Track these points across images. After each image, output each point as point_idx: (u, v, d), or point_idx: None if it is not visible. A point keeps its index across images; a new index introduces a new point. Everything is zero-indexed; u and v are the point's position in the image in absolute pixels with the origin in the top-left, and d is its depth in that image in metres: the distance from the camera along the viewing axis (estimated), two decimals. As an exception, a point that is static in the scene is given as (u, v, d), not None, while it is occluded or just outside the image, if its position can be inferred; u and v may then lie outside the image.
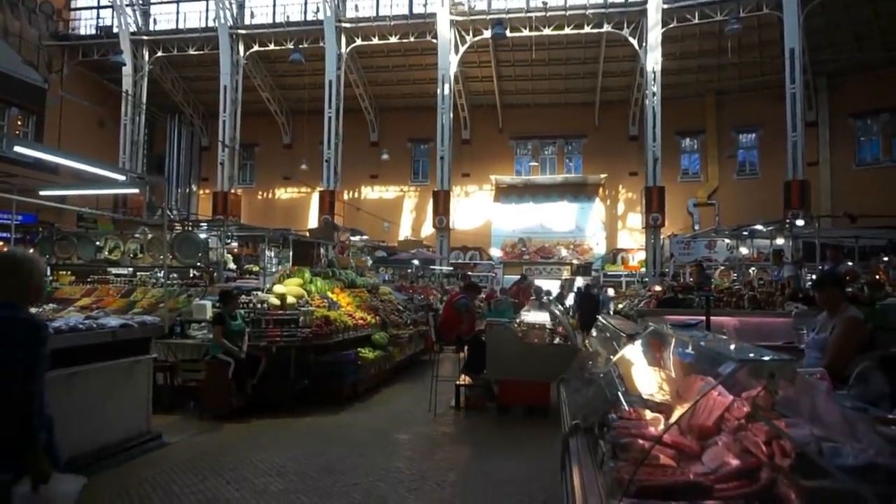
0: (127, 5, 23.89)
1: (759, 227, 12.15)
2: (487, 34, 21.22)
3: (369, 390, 8.82)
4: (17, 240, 9.85)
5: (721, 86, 24.75)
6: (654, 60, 20.10)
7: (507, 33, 20.83)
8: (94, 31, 25.26)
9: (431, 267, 20.82)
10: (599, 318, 5.51)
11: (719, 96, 25.16)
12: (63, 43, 24.40)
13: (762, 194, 22.04)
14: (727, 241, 16.96)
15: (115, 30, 24.03)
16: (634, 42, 20.63)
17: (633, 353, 3.16)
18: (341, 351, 8.34)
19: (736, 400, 2.37)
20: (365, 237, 20.89)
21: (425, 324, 11.53)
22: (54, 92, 23.19)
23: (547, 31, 21.20)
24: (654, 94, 20.10)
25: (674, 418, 2.14)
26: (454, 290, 15.89)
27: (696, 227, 23.21)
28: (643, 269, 21.87)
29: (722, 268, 15.86)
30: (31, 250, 12.19)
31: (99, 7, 25.79)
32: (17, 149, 5.00)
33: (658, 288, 13.15)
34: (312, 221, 24.60)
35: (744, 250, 15.04)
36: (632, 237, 25.54)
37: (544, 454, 5.80)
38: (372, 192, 28.17)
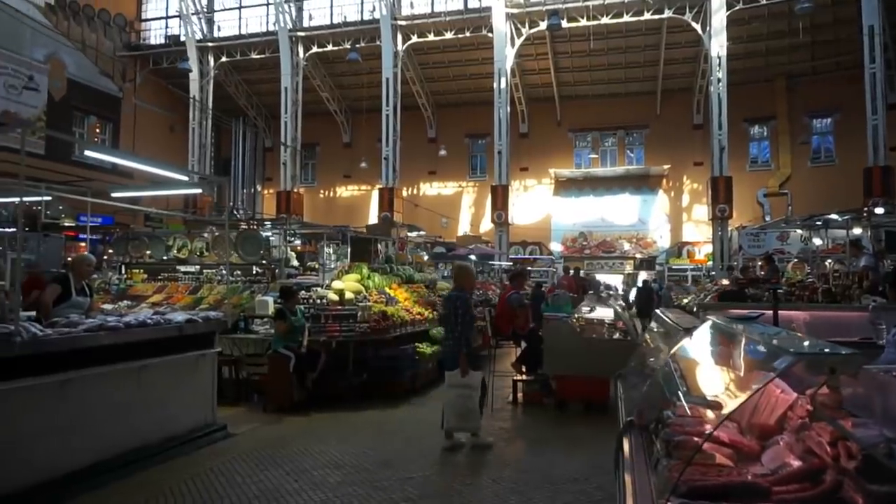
0: (193, 14, 24.91)
1: (833, 216, 11.47)
2: (544, 26, 20.93)
3: (427, 385, 8.85)
4: (95, 240, 10.41)
5: (792, 69, 23.53)
6: (718, 45, 19.32)
7: (564, 24, 20.49)
8: (163, 41, 26.44)
9: (490, 262, 20.74)
10: (657, 312, 5.33)
11: (791, 80, 23.95)
12: (135, 53, 25.66)
13: (839, 182, 20.84)
14: (800, 231, 16.09)
15: (183, 38, 25.08)
16: (697, 27, 19.88)
17: (690, 347, 3.03)
18: (399, 346, 8.41)
19: (800, 398, 2.24)
20: (422, 233, 21.02)
21: (483, 319, 11.47)
22: (128, 100, 24.44)
23: (605, 20, 20.71)
24: (719, 81, 19.34)
25: (724, 415, 2.03)
26: (506, 283, 15.76)
27: (767, 219, 22.19)
28: (710, 263, 21.10)
29: (795, 260, 15.09)
30: (111, 251, 12.89)
31: (167, 17, 26.95)
32: (88, 153, 5.27)
33: (725, 282, 12.65)
34: (373, 218, 24.97)
35: (817, 241, 14.23)
36: (698, 230, 24.69)
37: (602, 451, 5.65)
38: (430, 189, 28.33)
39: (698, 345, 2.96)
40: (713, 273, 18.84)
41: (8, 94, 19.25)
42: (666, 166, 24.92)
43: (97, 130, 23.74)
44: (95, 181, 12.30)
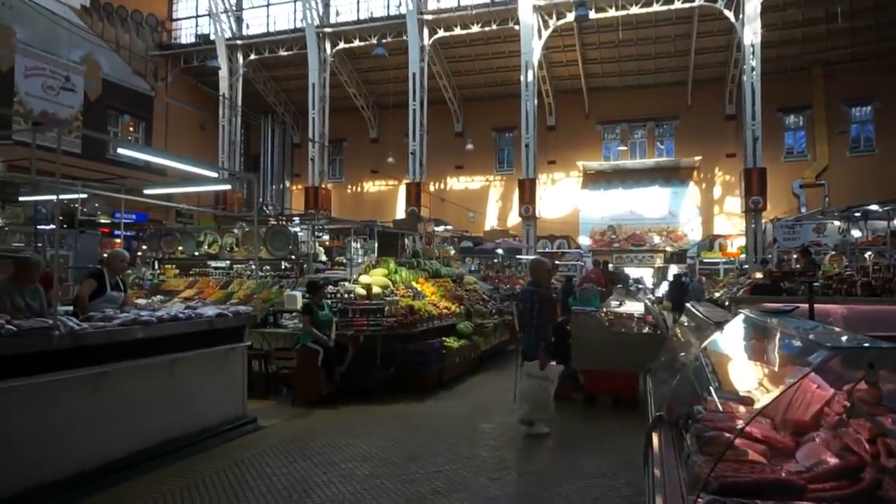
0: (222, 12, 25.24)
1: (874, 206, 11.13)
2: (571, 17, 20.67)
3: (454, 379, 8.86)
4: (129, 237, 10.64)
5: (830, 56, 22.84)
6: (752, 33, 18.84)
7: (592, 14, 20.21)
8: (193, 40, 26.83)
9: (517, 256, 20.66)
10: (688, 305, 5.24)
11: (828, 67, 23.26)
12: (166, 52, 26.09)
13: (880, 173, 20.28)
14: (838, 223, 15.63)
15: (212, 37, 25.43)
16: (730, 14, 19.41)
17: (721, 341, 2.97)
18: (426, 340, 8.42)
19: (837, 393, 2.17)
20: (449, 227, 20.99)
21: (511, 313, 11.43)
22: (160, 99, 24.90)
23: (634, 10, 20.35)
24: (752, 70, 18.87)
25: (757, 409, 1.97)
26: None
27: (803, 210, 21.63)
28: (743, 256, 20.69)
29: (832, 253, 14.71)
30: (144, 246, 13.17)
31: (197, 16, 27.34)
32: (122, 150, 5.37)
33: (759, 275, 12.38)
34: (400, 213, 25.04)
35: (856, 233, 13.82)
36: (730, 222, 24.22)
37: (632, 446, 5.57)
38: (457, 183, 28.28)
39: (730, 339, 2.89)
40: (746, 266, 18.46)
41: (46, 94, 19.77)
42: (697, 158, 24.46)
43: (131, 129, 24.26)
44: (130, 179, 12.57)
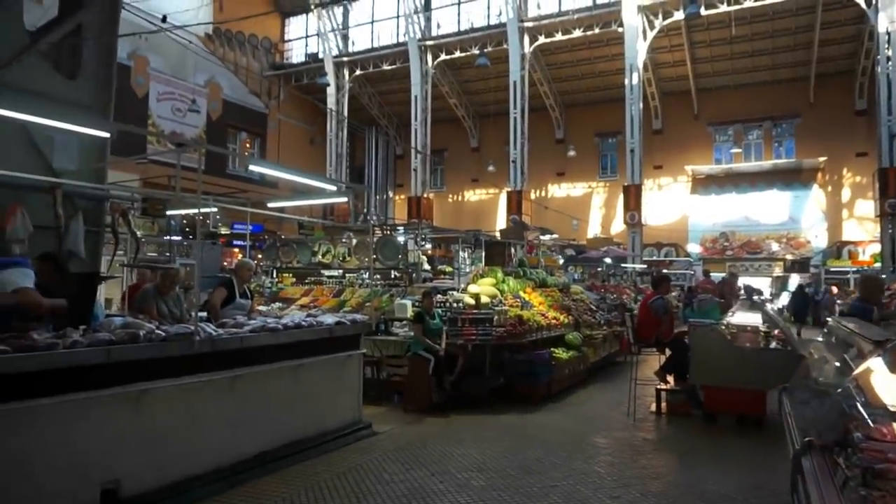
0: (330, 31, 26.45)
1: None
2: (679, 15, 19.88)
3: (563, 391, 8.69)
4: (249, 247, 11.31)
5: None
6: (888, 19, 17.25)
7: (702, 11, 19.32)
8: (303, 59, 28.31)
9: (623, 265, 20.04)
10: (830, 321, 4.83)
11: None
12: (279, 72, 27.71)
13: None
14: None
15: (321, 55, 26.70)
16: (861, 1, 17.90)
17: (883, 362, 2.70)
18: (535, 350, 8.33)
19: None
20: (554, 236, 20.74)
21: (620, 324, 11.10)
22: (273, 116, 26.48)
23: (748, 3, 19.26)
24: (888, 60, 17.27)
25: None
26: (647, 289, 15.10)
27: (950, 213, 19.47)
28: (878, 264, 18.92)
29: None
30: (260, 256, 13.95)
31: (307, 36, 28.81)
32: (252, 167, 5.72)
33: (899, 285, 11.24)
34: (500, 222, 25.05)
35: None
36: (861, 227, 22.26)
37: (760, 470, 5.27)
38: (559, 190, 27.94)
39: (894, 360, 2.63)
40: (884, 276, 16.85)
41: (175, 116, 21.58)
42: (822, 158, 22.71)
43: (248, 145, 25.95)
44: (249, 192, 13.42)
